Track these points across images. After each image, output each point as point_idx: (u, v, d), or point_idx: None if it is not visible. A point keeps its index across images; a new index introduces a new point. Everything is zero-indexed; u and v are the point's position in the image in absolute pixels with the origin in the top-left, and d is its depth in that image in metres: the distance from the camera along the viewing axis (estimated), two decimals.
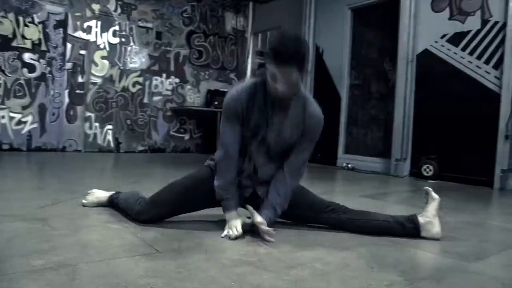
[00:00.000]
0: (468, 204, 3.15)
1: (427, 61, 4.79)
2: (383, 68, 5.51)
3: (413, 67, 4.91)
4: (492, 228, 2.47)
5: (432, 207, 1.94)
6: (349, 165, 5.57)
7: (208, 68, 7.18)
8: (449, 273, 1.53)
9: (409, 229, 1.96)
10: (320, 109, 1.97)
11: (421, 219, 1.95)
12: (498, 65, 4.16)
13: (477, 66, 4.33)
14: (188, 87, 6.98)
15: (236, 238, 1.83)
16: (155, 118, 6.66)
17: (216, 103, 6.74)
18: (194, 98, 7.04)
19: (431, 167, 4.59)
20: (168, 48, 6.73)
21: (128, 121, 6.40)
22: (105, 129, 6.21)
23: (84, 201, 2.38)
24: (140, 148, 6.54)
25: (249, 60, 7.62)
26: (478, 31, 4.34)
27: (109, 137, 6.25)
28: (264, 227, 1.82)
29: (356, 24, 5.84)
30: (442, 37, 4.64)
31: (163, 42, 6.67)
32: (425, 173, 4.63)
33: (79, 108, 5.99)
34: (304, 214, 2.05)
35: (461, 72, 4.45)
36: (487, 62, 4.26)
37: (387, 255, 1.72)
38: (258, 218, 1.86)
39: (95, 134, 6.13)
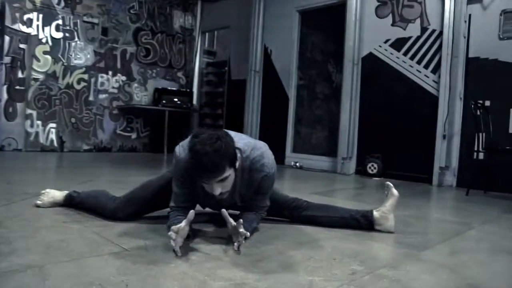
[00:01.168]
0: (411, 199, 3.37)
1: (371, 64, 5.05)
2: (327, 69, 5.74)
3: (359, 69, 5.15)
4: (434, 221, 2.68)
5: (390, 202, 2.08)
6: (297, 164, 5.73)
7: (155, 66, 7.08)
8: (403, 261, 1.66)
9: (363, 224, 2.11)
10: (269, 162, 1.84)
11: (376, 214, 2.09)
12: (436, 70, 4.48)
13: (418, 70, 4.63)
14: (135, 85, 6.84)
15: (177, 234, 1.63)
16: (101, 116, 6.47)
17: (164, 101, 6.67)
18: (141, 96, 6.91)
19: (375, 165, 4.84)
20: (115, 45, 6.56)
21: (73, 119, 6.17)
22: (48, 127, 5.94)
23: (38, 201, 2.30)
24: (86, 147, 6.32)
25: (197, 59, 7.61)
26: (418, 38, 4.64)
27: (52, 135, 5.99)
28: (241, 230, 1.69)
29: (303, 26, 6.02)
30: (386, 41, 4.91)
31: (110, 38, 6.49)
32: (370, 171, 4.87)
33: (19, 105, 5.69)
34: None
35: (403, 75, 4.73)
36: (426, 66, 4.57)
37: (346, 247, 1.83)
38: (232, 224, 1.75)
39: (37, 133, 5.85)
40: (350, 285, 1.37)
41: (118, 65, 6.61)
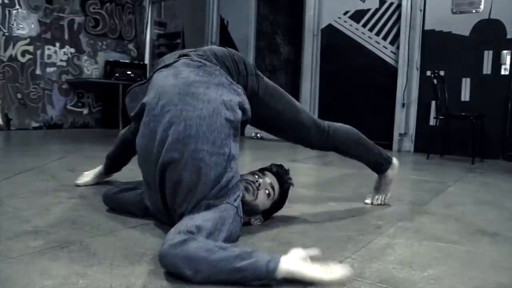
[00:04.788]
0: None
1: (331, 35, 5.18)
2: (275, 41, 5.83)
3: (318, 40, 5.28)
4: (414, 181, 2.92)
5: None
6: (258, 135, 5.82)
7: (105, 37, 6.76)
8: (414, 215, 1.83)
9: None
10: None
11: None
12: (394, 41, 4.71)
13: (376, 42, 4.84)
14: (85, 57, 6.51)
15: None
16: (50, 91, 6.11)
17: (117, 74, 6.42)
18: (91, 69, 6.60)
19: None
20: (61, 15, 6.15)
21: (19, 95, 5.78)
22: None
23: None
24: (35, 124, 5.97)
25: (148, 31, 7.34)
26: (377, 10, 4.83)
27: None
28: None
29: None
30: (345, 13, 5.05)
31: (55, 7, 6.07)
32: None
33: None
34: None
35: (363, 46, 4.93)
36: (384, 38, 4.79)
37: (356, 208, 1.96)
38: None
39: None
40: (383, 236, 1.50)
41: (66, 36, 6.23)
